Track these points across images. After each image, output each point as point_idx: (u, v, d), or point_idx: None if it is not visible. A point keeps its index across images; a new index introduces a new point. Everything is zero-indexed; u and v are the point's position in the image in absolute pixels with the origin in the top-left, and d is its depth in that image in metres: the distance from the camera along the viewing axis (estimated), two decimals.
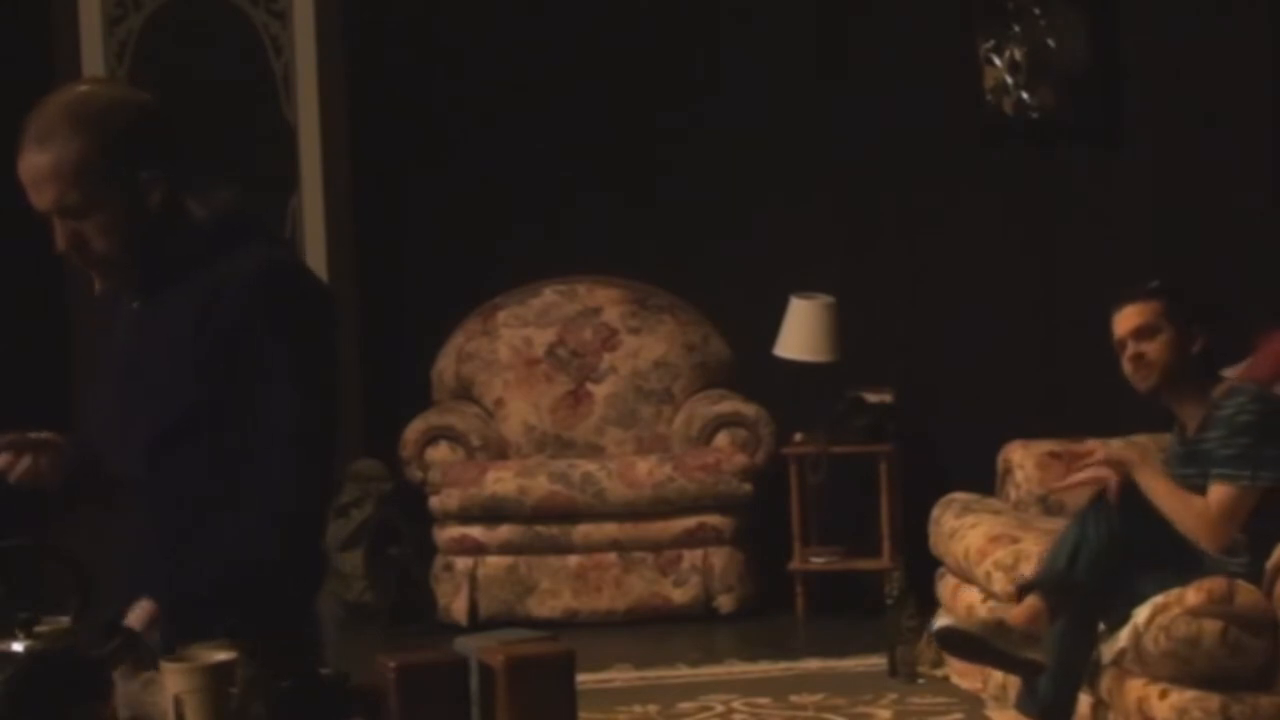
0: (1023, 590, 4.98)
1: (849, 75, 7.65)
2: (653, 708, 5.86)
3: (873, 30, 7.67)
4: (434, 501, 7.20)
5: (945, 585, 6.04)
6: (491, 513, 7.12)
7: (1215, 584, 4.74)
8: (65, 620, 2.80)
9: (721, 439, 7.31)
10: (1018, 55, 7.65)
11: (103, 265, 3.12)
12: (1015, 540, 5.56)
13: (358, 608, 7.20)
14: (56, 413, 3.41)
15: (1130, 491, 4.95)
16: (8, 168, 3.11)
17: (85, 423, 3.27)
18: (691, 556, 7.14)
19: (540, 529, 7.13)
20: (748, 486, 7.17)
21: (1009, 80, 7.67)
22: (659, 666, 6.42)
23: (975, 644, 4.97)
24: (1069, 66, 7.65)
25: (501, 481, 7.14)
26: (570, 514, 7.14)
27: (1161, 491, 4.90)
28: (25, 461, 3.15)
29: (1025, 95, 7.66)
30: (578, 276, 7.76)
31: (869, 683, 6.05)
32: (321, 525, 3.33)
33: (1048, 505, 5.99)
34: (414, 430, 7.31)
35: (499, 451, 7.44)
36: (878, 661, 6.19)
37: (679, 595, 7.13)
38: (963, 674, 5.88)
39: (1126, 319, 4.98)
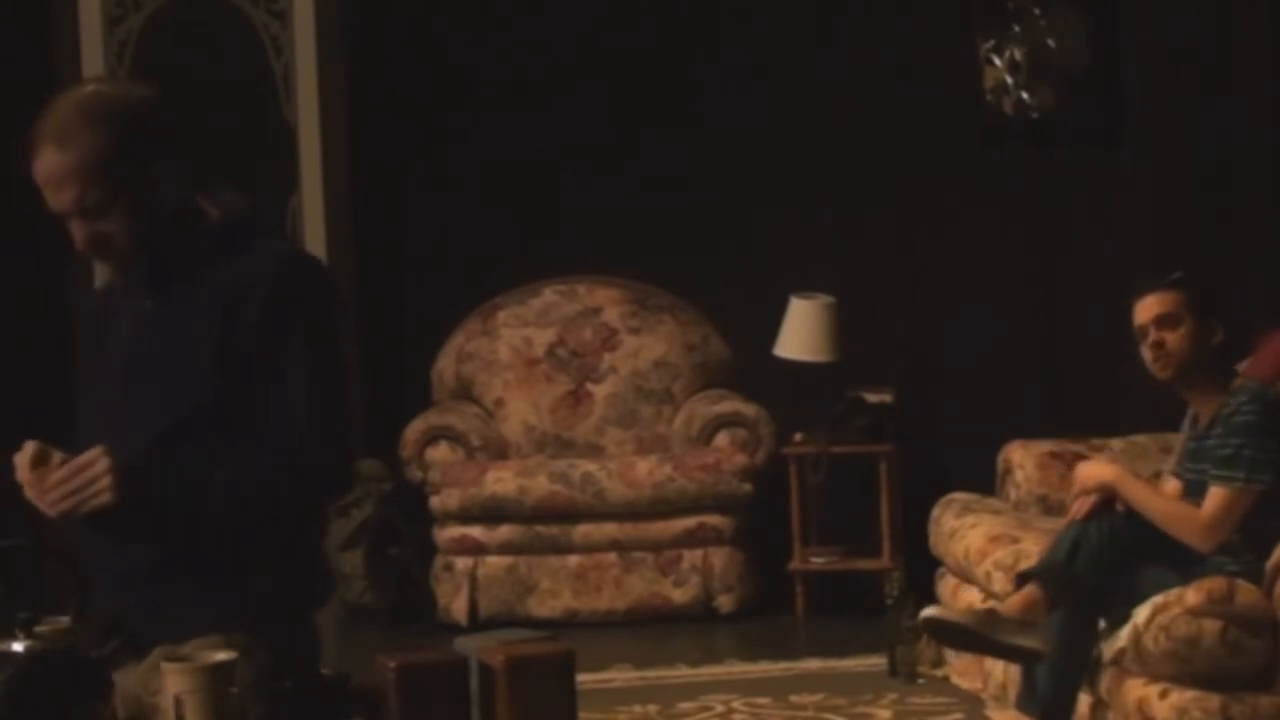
0: (1021, 579, 4.99)
1: (849, 75, 7.65)
2: (653, 708, 5.85)
3: (873, 30, 7.67)
4: (434, 501, 7.20)
5: (945, 585, 6.04)
6: (491, 513, 7.12)
7: (1215, 584, 4.74)
8: (65, 620, 2.80)
9: (721, 439, 7.31)
10: (1018, 55, 7.65)
11: (122, 262, 3.15)
12: (1015, 540, 5.56)
13: (358, 608, 7.20)
14: (57, 412, 3.39)
15: None
16: (8, 168, 3.11)
17: (84, 420, 3.27)
18: (691, 556, 7.14)
19: (540, 529, 7.13)
20: (748, 486, 7.17)
21: (1009, 80, 7.67)
22: (659, 666, 6.41)
23: (961, 632, 4.96)
24: (1069, 66, 7.65)
25: (501, 481, 7.14)
26: (570, 514, 7.14)
27: (1147, 501, 4.92)
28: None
29: (1025, 95, 7.67)
30: (578, 276, 7.76)
31: (869, 683, 6.05)
32: (322, 537, 3.34)
33: (1048, 505, 5.99)
34: (414, 430, 7.31)
35: (499, 451, 7.44)
36: (878, 661, 6.19)
37: (679, 595, 7.13)
38: (963, 674, 5.88)
39: (1149, 307, 4.99)
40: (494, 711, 2.73)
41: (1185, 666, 4.73)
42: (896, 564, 6.78)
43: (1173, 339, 4.95)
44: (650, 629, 7.00)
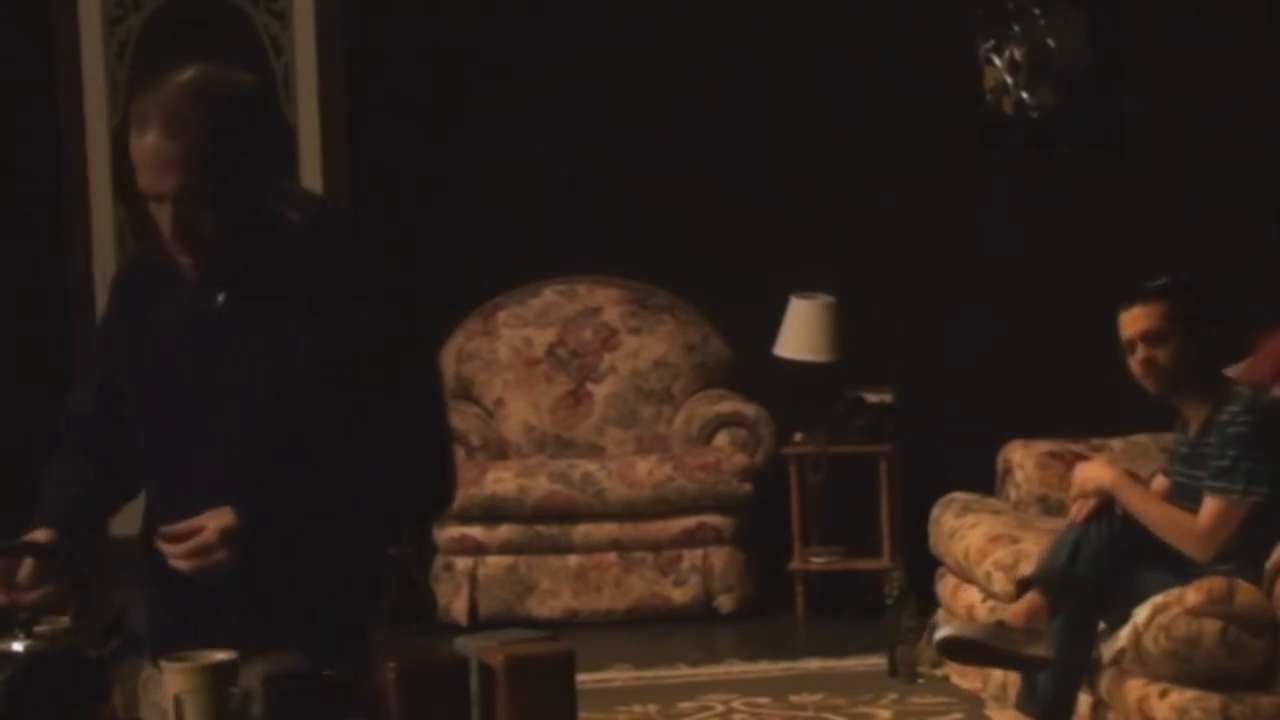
0: (1022, 586, 4.99)
1: (849, 75, 7.64)
2: (653, 708, 5.86)
3: (873, 30, 7.67)
4: None
5: (945, 585, 6.04)
6: (491, 513, 7.12)
7: (1215, 584, 4.74)
8: (65, 620, 2.80)
9: (721, 439, 7.31)
10: (1018, 55, 7.65)
11: (208, 254, 3.05)
12: (1015, 540, 5.56)
13: None
14: (56, 412, 3.38)
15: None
16: (8, 168, 3.10)
17: (144, 411, 3.19)
18: (691, 556, 7.14)
19: (540, 529, 7.13)
20: (748, 486, 7.17)
21: (1009, 80, 7.67)
22: (659, 666, 6.42)
23: (978, 649, 4.97)
24: (1069, 66, 7.65)
25: (501, 481, 7.14)
26: (570, 514, 7.14)
27: (1144, 508, 4.91)
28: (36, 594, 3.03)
29: (1025, 95, 7.67)
30: (578, 276, 7.76)
31: (869, 683, 6.05)
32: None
33: (1048, 505, 5.99)
34: None
35: (499, 451, 7.44)
36: (878, 661, 6.19)
37: (679, 595, 7.13)
38: (963, 674, 5.88)
39: (1135, 321, 4.93)
40: (494, 711, 2.73)
41: (1185, 666, 4.74)
42: (896, 564, 6.78)
43: (1163, 355, 4.89)
44: (650, 629, 7.00)
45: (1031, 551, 5.32)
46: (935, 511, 6.14)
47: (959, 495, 6.16)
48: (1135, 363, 4.94)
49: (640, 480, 7.14)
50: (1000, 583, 5.44)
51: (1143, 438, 6.01)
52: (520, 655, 2.75)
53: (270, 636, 2.99)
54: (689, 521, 7.13)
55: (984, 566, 5.59)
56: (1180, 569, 4.86)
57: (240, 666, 2.75)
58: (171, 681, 2.69)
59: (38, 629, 2.76)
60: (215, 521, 2.95)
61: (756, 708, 5.85)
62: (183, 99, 2.97)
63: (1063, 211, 7.69)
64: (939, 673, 6.01)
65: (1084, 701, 5.02)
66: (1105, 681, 4.96)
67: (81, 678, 2.73)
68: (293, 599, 3.06)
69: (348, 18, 7.75)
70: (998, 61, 7.67)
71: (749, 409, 7.32)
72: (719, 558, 7.13)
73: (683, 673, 6.35)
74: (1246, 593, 4.73)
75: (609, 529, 7.13)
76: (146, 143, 2.97)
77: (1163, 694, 4.77)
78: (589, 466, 7.21)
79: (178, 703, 2.64)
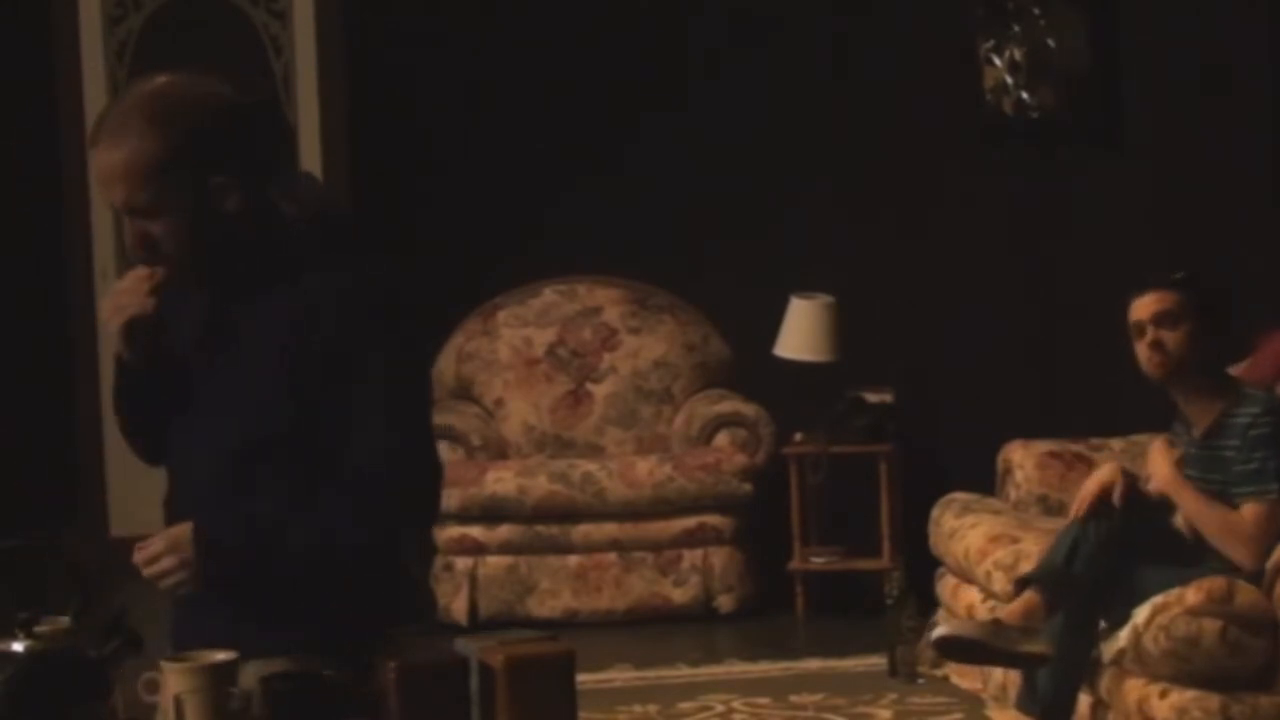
0: (1019, 585, 4.99)
1: (849, 75, 7.65)
2: (653, 708, 5.86)
3: (873, 30, 7.67)
4: None
5: (945, 585, 6.04)
6: (491, 513, 7.12)
7: (1215, 584, 4.74)
8: (65, 620, 2.80)
9: (721, 439, 7.31)
10: (1018, 55, 7.65)
11: (173, 267, 2.99)
12: (1015, 540, 5.56)
13: None
14: (57, 412, 3.38)
15: (1131, 492, 4.95)
16: (8, 168, 3.09)
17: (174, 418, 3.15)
18: (691, 556, 7.14)
19: (540, 529, 7.13)
20: (748, 486, 7.17)
21: (1009, 80, 7.67)
22: (659, 666, 6.41)
23: (975, 647, 4.96)
24: (1069, 66, 7.65)
25: (501, 481, 7.14)
26: (570, 514, 7.13)
27: (1199, 511, 4.89)
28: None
29: (1025, 95, 7.67)
30: (578, 276, 7.75)
31: (869, 683, 6.05)
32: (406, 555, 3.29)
33: (1048, 505, 5.99)
34: None
35: (499, 451, 7.43)
36: (878, 661, 6.19)
37: (679, 595, 7.13)
38: (963, 674, 5.88)
39: (1148, 304, 4.93)
40: (494, 711, 2.73)
41: (1185, 666, 4.74)
42: (896, 564, 6.77)
43: (1172, 339, 4.90)
44: (650, 629, 7.00)
45: (1031, 551, 5.32)
46: (935, 511, 6.14)
47: (959, 495, 6.16)
48: (1142, 346, 4.93)
49: (640, 480, 7.14)
50: (1000, 583, 5.44)
51: (1143, 438, 6.00)
52: (520, 655, 2.75)
53: (270, 637, 2.99)
54: (689, 521, 7.13)
55: (984, 566, 5.59)
56: (1180, 568, 4.85)
57: (240, 666, 2.75)
58: (171, 681, 2.69)
59: (38, 629, 2.76)
60: (171, 532, 2.95)
61: (756, 708, 5.85)
62: (133, 110, 2.92)
63: (1063, 211, 7.69)
64: (939, 673, 6.01)
65: (1084, 701, 5.02)
66: (1105, 681, 4.96)
67: (81, 678, 2.73)
68: (292, 600, 3.06)
69: (348, 18, 7.75)
70: (998, 61, 7.67)
71: (749, 409, 7.32)
72: (719, 558, 7.13)
73: (683, 673, 6.35)
74: (1246, 593, 4.73)
75: (609, 529, 7.13)
76: (95, 154, 2.94)
77: (1163, 694, 4.77)
78: (589, 466, 7.21)
79: (178, 703, 2.64)
